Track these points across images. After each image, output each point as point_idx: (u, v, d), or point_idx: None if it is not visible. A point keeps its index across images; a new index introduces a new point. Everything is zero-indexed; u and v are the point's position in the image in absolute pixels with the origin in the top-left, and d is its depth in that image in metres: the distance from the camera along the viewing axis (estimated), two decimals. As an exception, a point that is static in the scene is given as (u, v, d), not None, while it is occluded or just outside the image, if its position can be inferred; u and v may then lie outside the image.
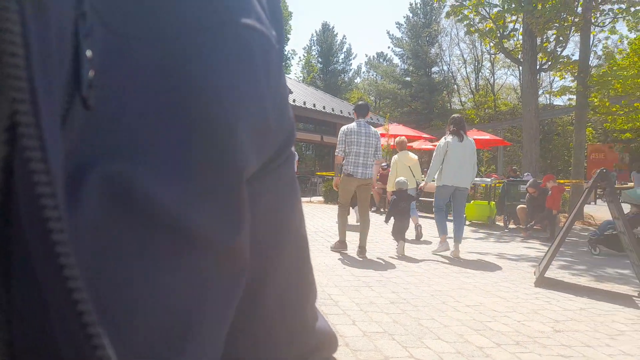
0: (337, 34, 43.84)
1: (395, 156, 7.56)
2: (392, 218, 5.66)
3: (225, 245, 0.25)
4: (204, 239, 0.23)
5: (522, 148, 11.99)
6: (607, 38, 24.37)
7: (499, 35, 11.22)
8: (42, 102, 0.16)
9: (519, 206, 8.42)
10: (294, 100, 19.01)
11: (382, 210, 11.12)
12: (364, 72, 47.50)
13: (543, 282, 4.33)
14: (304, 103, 19.58)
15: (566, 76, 12.16)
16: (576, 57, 11.18)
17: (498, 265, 5.27)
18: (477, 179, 11.03)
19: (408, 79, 36.92)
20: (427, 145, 17.28)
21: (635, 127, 21.84)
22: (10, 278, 0.17)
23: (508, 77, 51.94)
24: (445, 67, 38.71)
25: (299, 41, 75.32)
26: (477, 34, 12.06)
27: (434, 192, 5.97)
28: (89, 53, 0.19)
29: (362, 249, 5.34)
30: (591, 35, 11.49)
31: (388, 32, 58.76)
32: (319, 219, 9.04)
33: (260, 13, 0.27)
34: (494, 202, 9.63)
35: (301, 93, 22.17)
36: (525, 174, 10.40)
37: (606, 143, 24.76)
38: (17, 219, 0.16)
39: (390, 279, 4.33)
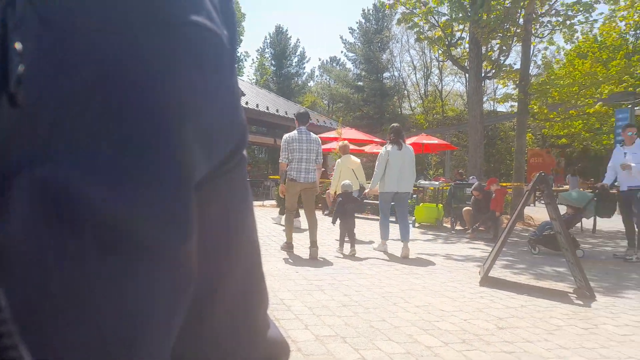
0: (290, 37, 43.88)
1: (339, 160, 7.86)
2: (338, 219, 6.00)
3: (170, 253, 0.23)
4: (147, 246, 0.22)
5: (468, 152, 12.48)
6: (545, 49, 25.77)
7: (447, 43, 11.63)
8: None
9: (464, 208, 8.75)
10: (246, 103, 18.80)
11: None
12: (317, 76, 47.81)
13: (487, 281, 4.52)
14: (257, 106, 19.41)
15: (508, 84, 12.78)
16: (518, 66, 11.75)
17: (445, 265, 5.45)
18: (426, 182, 11.37)
19: (360, 83, 37.55)
20: (379, 149, 17.63)
21: (570, 133, 23.34)
22: None
23: (455, 84, 54.03)
24: (396, 73, 39.69)
25: (252, 43, 74.76)
26: (426, 42, 12.45)
27: (379, 197, 6.35)
28: (18, 46, 0.18)
29: (313, 243, 5.60)
30: (531, 46, 12.13)
31: (341, 37, 59.51)
32: (271, 223, 8.97)
33: (212, 11, 0.26)
34: (441, 205, 9.94)
35: (254, 95, 21.97)
36: (471, 177, 10.82)
37: (544, 148, 26.29)
38: None
39: (342, 282, 4.36)
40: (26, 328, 0.17)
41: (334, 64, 44.10)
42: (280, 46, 42.73)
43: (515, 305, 3.80)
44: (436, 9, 11.33)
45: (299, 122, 5.80)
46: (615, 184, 6.54)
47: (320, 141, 5.94)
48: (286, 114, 21.26)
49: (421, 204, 10.31)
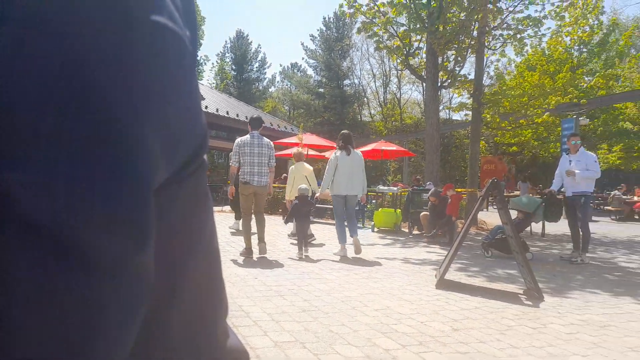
0: (251, 42, 43.67)
1: (293, 167, 8.03)
2: (293, 221, 6.33)
3: (125, 263, 0.22)
4: (100, 256, 0.21)
5: (425, 159, 12.80)
6: (498, 60, 26.90)
7: (405, 52, 11.91)
8: None
9: (422, 213, 8.96)
10: (206, 107, 18.50)
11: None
12: (278, 82, 47.77)
13: (443, 284, 4.64)
14: (217, 110, 19.14)
15: (463, 93, 13.23)
16: (472, 76, 12.20)
17: (403, 269, 5.55)
18: (385, 187, 11.56)
19: (321, 90, 37.83)
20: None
21: (520, 142, 24.44)
22: None
23: (413, 93, 55.36)
24: (356, 81, 40.30)
25: (212, 47, 73.77)
26: (385, 51, 12.69)
27: (332, 201, 6.66)
28: None
29: (260, 239, 5.86)
30: (484, 57, 12.62)
31: (302, 44, 59.74)
32: (230, 228, 8.84)
33: (173, 12, 0.25)
34: (399, 210, 10.14)
35: (214, 100, 21.67)
36: (428, 183, 11.10)
37: (496, 155, 27.34)
38: None
39: (302, 288, 4.36)
40: None
41: (295, 70, 44.22)
42: (241, 51, 42.41)
43: (470, 307, 3.92)
44: (395, 19, 11.59)
45: (251, 127, 5.99)
46: (562, 190, 6.89)
47: (273, 145, 6.14)
48: (246, 119, 21.04)
49: (380, 209, 10.47)
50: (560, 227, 9.42)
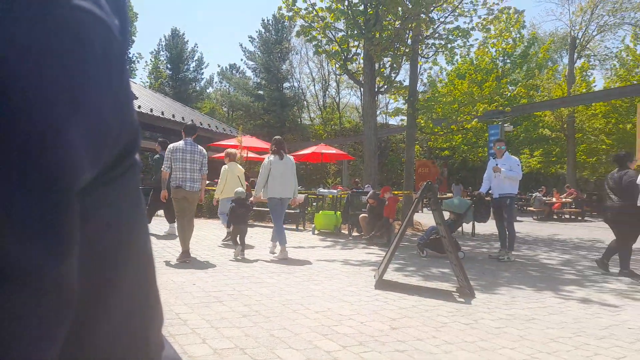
0: (187, 41, 42.43)
1: (225, 167, 8.04)
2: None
3: (43, 273, 0.20)
4: (13, 267, 0.19)
5: (364, 162, 13.08)
6: (430, 68, 28.24)
7: (343, 57, 12.11)
8: None
9: (361, 215, 9.13)
10: (139, 107, 17.71)
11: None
12: (216, 83, 46.83)
13: (382, 284, 4.75)
14: (151, 110, 18.40)
15: (399, 99, 13.69)
16: (407, 82, 12.66)
17: (344, 271, 5.62)
18: (325, 190, 11.67)
19: (261, 92, 37.54)
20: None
21: (451, 146, 25.71)
22: None
23: (351, 97, 56.47)
24: (296, 84, 40.42)
25: (145, 45, 70.64)
26: (324, 55, 12.85)
27: (268, 205, 6.83)
28: None
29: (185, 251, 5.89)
30: (418, 65, 13.13)
31: (241, 45, 59.15)
32: (166, 233, 8.51)
33: None
34: (339, 212, 10.28)
35: (148, 99, 20.81)
36: (366, 185, 11.35)
37: (430, 159, 28.56)
38: None
39: (242, 292, 4.28)
40: None
41: (234, 72, 43.55)
42: (176, 50, 41.09)
43: (407, 305, 4.04)
44: (333, 24, 11.77)
45: (185, 133, 6.12)
46: (490, 192, 7.32)
47: (206, 153, 6.27)
48: (183, 119, 20.43)
49: (320, 211, 10.55)
50: (489, 227, 10.00)
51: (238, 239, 6.38)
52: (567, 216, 18.04)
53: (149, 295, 0.32)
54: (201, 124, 21.76)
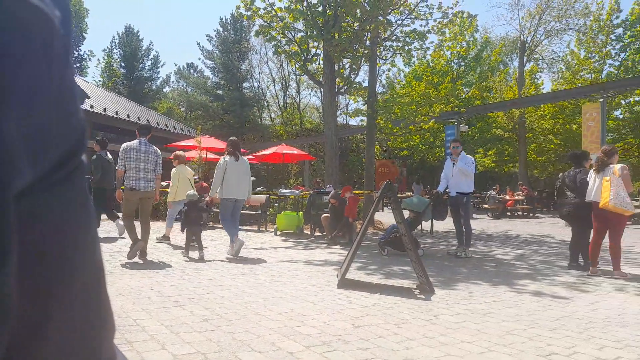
0: (142, 39, 41.22)
1: (174, 169, 8.06)
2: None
3: None
4: None
5: (325, 162, 13.13)
6: (389, 70, 28.82)
7: (303, 58, 12.12)
8: None
9: (323, 215, 9.16)
10: (91, 106, 17.03)
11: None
12: (173, 82, 45.71)
13: (344, 283, 4.78)
14: (104, 110, 17.73)
15: (359, 100, 13.84)
16: (366, 84, 12.82)
17: (306, 271, 5.62)
18: (287, 191, 11.62)
19: (220, 92, 36.98)
20: (239, 159, 17.46)
21: (410, 146, 26.26)
22: None
23: (312, 98, 56.57)
24: (255, 84, 40.09)
25: (97, 42, 67.79)
26: (284, 55, 12.80)
27: (220, 204, 6.94)
28: None
29: (142, 252, 5.92)
30: (377, 67, 13.34)
31: (199, 44, 57.95)
32: (123, 236, 8.22)
33: None
34: (301, 213, 10.27)
35: (101, 99, 20.04)
36: (328, 185, 11.40)
37: (389, 159, 29.06)
38: None
39: (202, 296, 4.19)
40: None
41: (192, 71, 42.68)
42: (130, 48, 39.81)
43: (369, 304, 4.08)
44: (292, 24, 11.75)
45: (139, 133, 6.15)
46: (447, 190, 7.52)
47: (160, 153, 6.31)
48: (139, 119, 19.81)
49: (282, 212, 10.50)
50: (447, 224, 10.28)
51: (194, 240, 6.46)
52: (519, 213, 18.83)
53: (99, 305, 0.30)
54: (158, 124, 21.18)
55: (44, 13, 0.21)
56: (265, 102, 40.38)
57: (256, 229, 10.69)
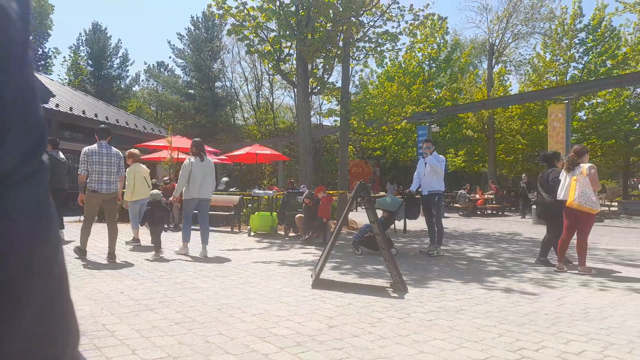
0: (111, 36, 40.19)
1: (130, 168, 8.00)
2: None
3: None
4: None
5: (299, 162, 13.11)
6: (362, 70, 29.04)
7: (276, 58, 12.06)
8: None
9: (297, 215, 9.14)
10: (57, 105, 16.51)
11: (169, 225, 10.57)
12: (143, 81, 44.78)
13: (319, 283, 4.78)
14: (71, 109, 17.21)
15: (332, 100, 13.88)
16: (340, 84, 12.86)
17: (280, 272, 5.59)
18: (260, 191, 11.55)
19: (191, 91, 36.43)
20: (213, 160, 17.26)
21: (383, 146, 26.51)
22: None
23: (285, 98, 56.44)
24: (228, 83, 39.68)
25: (63, 40, 65.52)
26: (257, 55, 12.71)
27: (182, 204, 7.03)
28: None
29: (111, 255, 5.99)
30: (350, 67, 13.39)
31: (169, 42, 56.93)
32: (91, 239, 7.99)
33: None
34: (275, 213, 10.22)
35: (67, 97, 19.45)
36: (302, 186, 11.38)
37: (363, 159, 29.26)
38: None
39: (174, 299, 4.11)
40: None
41: (162, 69, 41.90)
42: (98, 45, 38.75)
43: (343, 303, 4.09)
44: (265, 24, 11.68)
45: (98, 136, 6.18)
46: (419, 190, 7.63)
47: (122, 155, 6.37)
48: (107, 119, 19.32)
49: (256, 213, 10.43)
50: (419, 223, 10.42)
51: (154, 240, 6.58)
52: (489, 212, 19.27)
53: (62, 310, 0.28)
54: (127, 124, 20.71)
55: None
56: (238, 102, 40.04)
57: (229, 230, 10.58)
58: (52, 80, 23.79)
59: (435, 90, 25.68)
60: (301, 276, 5.32)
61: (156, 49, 71.21)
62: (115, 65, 40.35)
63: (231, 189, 14.10)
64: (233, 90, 39.58)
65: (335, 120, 15.70)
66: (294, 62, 12.32)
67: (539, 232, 11.29)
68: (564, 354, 2.86)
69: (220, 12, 11.54)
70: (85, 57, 39.06)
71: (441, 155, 7.63)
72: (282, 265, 6.12)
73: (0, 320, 0.23)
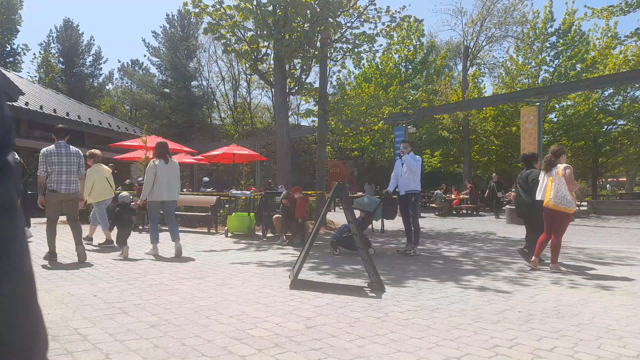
0: (83, 33, 39.26)
1: (90, 169, 7.93)
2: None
3: None
4: None
5: (276, 163, 13.06)
6: (339, 71, 29.06)
7: (253, 57, 11.99)
8: None
9: (274, 216, 9.11)
10: (27, 104, 16.03)
11: (145, 227, 10.38)
12: (117, 79, 43.84)
13: (297, 284, 4.77)
14: (41, 107, 16.74)
15: (310, 100, 13.88)
16: (317, 84, 12.87)
17: (258, 273, 5.55)
18: (238, 192, 11.45)
19: (167, 90, 35.85)
20: (189, 159, 17.03)
21: (361, 147, 26.66)
22: None
23: (263, 98, 56.08)
24: (204, 82, 39.21)
25: (33, 36, 63.36)
26: (233, 54, 12.60)
27: (147, 206, 7.05)
28: None
29: (78, 243, 6.05)
30: (327, 68, 13.42)
31: (144, 40, 55.93)
32: (62, 240, 7.78)
33: None
34: (253, 214, 10.15)
35: (37, 95, 18.90)
36: (280, 186, 11.35)
37: (341, 159, 29.36)
38: None
39: (149, 301, 4.04)
40: None
41: (137, 68, 41.13)
42: (70, 42, 37.78)
43: (322, 304, 4.09)
44: (242, 23, 11.59)
45: (56, 136, 6.16)
46: (396, 190, 7.70)
47: (82, 154, 6.35)
48: (79, 118, 18.85)
49: (233, 213, 10.34)
50: (396, 223, 10.52)
51: (121, 242, 6.62)
52: (464, 211, 19.60)
53: (28, 320, 0.27)
54: (100, 123, 20.25)
55: None
56: (214, 102, 39.60)
57: (206, 231, 10.45)
58: (22, 77, 23.08)
59: (412, 92, 25.96)
60: (279, 277, 5.30)
61: (130, 46, 69.90)
62: (87, 63, 39.42)
63: (208, 190, 13.94)
64: (210, 90, 39.15)
65: (313, 121, 15.71)
66: (272, 62, 12.26)
67: (513, 231, 11.54)
68: (536, 351, 2.92)
69: (197, 10, 11.41)
70: (57, 54, 38.03)
71: (418, 156, 7.72)
72: (260, 266, 6.08)
73: None
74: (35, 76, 36.90)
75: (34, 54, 44.40)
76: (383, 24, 12.11)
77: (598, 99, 23.15)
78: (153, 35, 37.72)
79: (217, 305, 3.95)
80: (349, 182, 24.19)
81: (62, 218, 6.59)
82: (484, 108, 23.31)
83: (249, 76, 36.18)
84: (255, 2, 10.95)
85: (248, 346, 2.95)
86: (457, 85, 27.79)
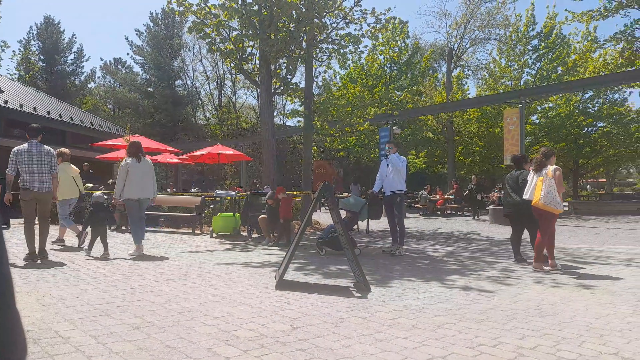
0: (64, 30, 38.57)
1: (57, 166, 7.79)
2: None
3: None
4: None
5: (262, 163, 13.00)
6: (325, 72, 29.05)
7: (238, 57, 11.92)
8: None
9: (260, 216, 9.07)
10: (6, 102, 15.69)
11: (125, 227, 10.24)
12: (99, 78, 43.16)
13: (282, 285, 4.76)
14: (21, 106, 16.39)
15: (295, 101, 13.86)
16: (303, 85, 12.85)
17: (244, 273, 5.52)
18: (223, 192, 11.38)
19: (150, 89, 35.41)
20: (173, 159, 16.86)
21: (346, 147, 26.72)
22: None
23: (248, 97, 55.86)
24: (189, 82, 38.86)
25: (12, 32, 61.96)
26: (218, 53, 12.51)
27: (126, 205, 7.07)
28: None
29: (41, 251, 6.09)
30: (313, 68, 13.42)
31: (127, 38, 55.29)
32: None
33: None
34: (238, 214, 10.09)
35: (17, 93, 18.51)
36: (265, 186, 11.30)
37: (327, 160, 29.38)
38: None
39: (133, 303, 3.98)
40: None
41: (120, 66, 40.58)
42: (51, 40, 37.08)
43: (307, 304, 4.09)
44: (227, 22, 11.51)
45: (29, 135, 6.23)
46: (382, 190, 7.74)
47: (54, 153, 6.41)
48: (60, 117, 18.51)
49: (218, 214, 10.26)
50: (382, 223, 10.56)
51: (100, 240, 6.65)
52: (448, 212, 19.79)
53: (6, 322, 0.27)
54: (82, 122, 19.91)
55: None
56: (199, 101, 39.27)
57: (191, 231, 10.36)
58: (1, 75, 22.58)
59: (397, 93, 26.12)
60: (265, 277, 5.28)
61: (113, 45, 68.86)
62: (69, 61, 38.76)
63: (192, 190, 13.81)
64: (194, 89, 38.80)
65: (298, 121, 15.66)
66: (257, 61, 12.21)
67: (496, 231, 11.69)
68: (519, 349, 2.96)
69: (181, 9, 11.30)
70: (37, 52, 37.31)
71: (403, 157, 7.77)
72: (245, 266, 6.05)
73: None
74: (15, 74, 36.18)
75: (14, 50, 43.51)
76: (368, 25, 12.16)
77: (579, 102, 23.61)
78: (137, 34, 37.33)
79: (202, 307, 3.91)
80: (335, 183, 24.22)
81: (43, 219, 6.45)
82: (468, 109, 23.58)
83: (234, 76, 36.01)
84: (240, 2, 10.89)
85: (233, 347, 2.92)
86: (442, 87, 28.06)
